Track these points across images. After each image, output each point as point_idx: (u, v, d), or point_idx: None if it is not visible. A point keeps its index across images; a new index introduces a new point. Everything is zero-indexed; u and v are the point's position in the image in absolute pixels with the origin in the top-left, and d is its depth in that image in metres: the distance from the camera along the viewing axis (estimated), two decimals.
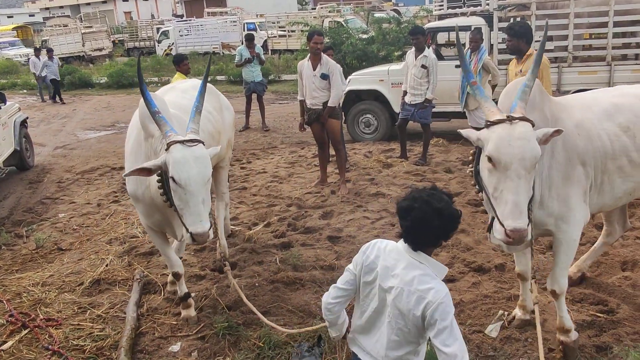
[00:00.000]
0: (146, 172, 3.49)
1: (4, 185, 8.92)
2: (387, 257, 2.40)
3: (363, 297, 2.46)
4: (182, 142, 3.36)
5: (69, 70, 23.68)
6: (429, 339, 2.31)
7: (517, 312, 4.16)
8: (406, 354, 2.35)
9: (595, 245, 4.80)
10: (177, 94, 4.93)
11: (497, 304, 4.43)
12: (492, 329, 4.14)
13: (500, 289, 4.67)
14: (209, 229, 3.45)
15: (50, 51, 20.28)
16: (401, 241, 2.42)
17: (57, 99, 19.19)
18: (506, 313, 4.26)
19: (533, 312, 3.77)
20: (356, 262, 2.53)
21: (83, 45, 32.76)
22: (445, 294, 2.23)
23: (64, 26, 35.59)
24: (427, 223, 2.25)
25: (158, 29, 33.06)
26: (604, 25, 8.72)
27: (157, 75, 23.39)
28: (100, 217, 6.98)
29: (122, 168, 9.45)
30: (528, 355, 3.81)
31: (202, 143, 3.49)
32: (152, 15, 48.31)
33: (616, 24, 8.62)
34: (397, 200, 2.44)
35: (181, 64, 8.39)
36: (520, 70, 6.28)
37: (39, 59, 19.52)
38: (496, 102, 3.42)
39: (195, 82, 5.27)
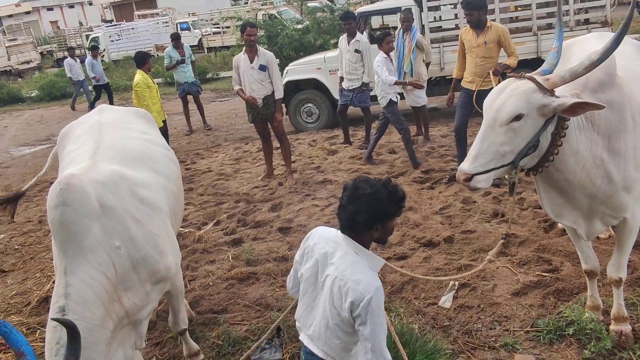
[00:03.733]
0: None
1: None
2: (326, 244, 2.39)
3: (303, 284, 2.46)
4: None
5: None
6: None
7: (591, 315, 3.71)
8: (345, 343, 2.33)
9: None
10: (108, 132, 3.69)
11: (448, 275, 4.54)
12: (445, 300, 4.24)
13: (450, 261, 4.79)
14: None
15: (95, 49, 16.48)
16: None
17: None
18: (457, 283, 4.37)
19: (605, 311, 3.72)
20: (299, 249, 2.55)
21: (9, 59, 31.34)
22: (375, 288, 2.20)
23: None
24: (348, 204, 2.28)
25: (87, 36, 31.97)
26: None
27: (91, 84, 22.62)
28: (43, 234, 6.73)
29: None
30: (482, 321, 3.93)
31: None
32: (80, 23, 46.61)
33: None
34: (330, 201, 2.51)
35: (146, 62, 8.21)
36: (485, 42, 6.34)
37: (76, 60, 16.66)
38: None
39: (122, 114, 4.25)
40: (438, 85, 10.00)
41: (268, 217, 6.27)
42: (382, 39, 7.32)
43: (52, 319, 2.30)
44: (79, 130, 3.84)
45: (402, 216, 5.77)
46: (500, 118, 2.91)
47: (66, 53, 34.36)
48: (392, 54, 7.83)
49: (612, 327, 3.61)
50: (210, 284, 4.91)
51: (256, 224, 6.14)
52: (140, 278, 2.88)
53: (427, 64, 8.41)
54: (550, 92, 2.89)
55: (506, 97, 2.93)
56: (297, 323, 2.57)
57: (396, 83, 7.25)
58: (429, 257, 4.92)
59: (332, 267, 2.29)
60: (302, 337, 2.51)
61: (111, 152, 3.37)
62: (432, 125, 9.36)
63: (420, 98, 8.33)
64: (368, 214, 2.24)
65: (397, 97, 7.41)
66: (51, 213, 2.68)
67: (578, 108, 2.83)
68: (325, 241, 2.41)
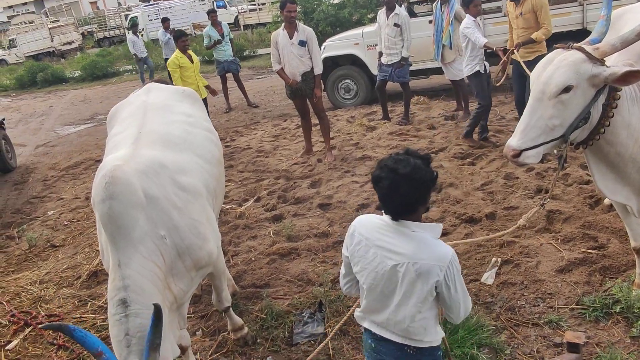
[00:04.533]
0: None
1: None
2: (379, 234, 2.26)
3: (365, 279, 2.30)
4: None
5: (40, 67, 23.27)
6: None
7: (638, 293, 3.61)
8: (426, 320, 2.26)
9: None
10: (151, 116, 3.72)
11: (491, 252, 4.50)
12: (488, 276, 4.21)
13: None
14: None
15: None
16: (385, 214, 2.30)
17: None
18: (499, 260, 4.33)
19: None
20: (346, 245, 2.40)
21: (52, 41, 32.15)
22: (451, 254, 2.15)
23: (29, 23, 34.87)
24: (396, 191, 2.14)
25: (126, 16, 32.41)
26: None
27: (131, 63, 23.03)
28: (90, 210, 6.94)
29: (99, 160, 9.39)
30: (525, 298, 3.89)
31: None
32: (119, 3, 47.23)
33: None
34: (370, 176, 2.39)
35: (179, 40, 8.35)
36: (521, 13, 6.29)
37: (139, 36, 15.90)
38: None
39: (175, 91, 4.35)
40: None
41: (308, 193, 6.32)
42: (470, 1, 6.81)
43: (154, 304, 2.37)
44: (125, 112, 3.90)
45: (443, 192, 5.73)
46: (548, 91, 2.83)
47: (106, 34, 35.23)
48: (431, 25, 7.69)
49: None
50: (253, 259, 5.00)
51: (296, 200, 6.19)
52: (185, 265, 2.95)
53: None
54: (601, 62, 2.79)
55: (554, 68, 2.84)
56: (357, 313, 2.46)
57: (485, 45, 6.63)
58: (470, 233, 4.88)
59: (399, 256, 2.18)
60: (370, 326, 2.39)
61: (153, 137, 3.39)
62: (473, 100, 9.19)
63: (459, 71, 8.17)
64: (423, 192, 2.18)
65: (485, 68, 6.92)
66: (99, 207, 2.71)
67: (631, 77, 2.72)
68: (376, 230, 2.28)
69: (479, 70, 6.86)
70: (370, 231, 2.28)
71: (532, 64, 5.32)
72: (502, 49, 6.45)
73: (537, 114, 2.89)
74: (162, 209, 2.89)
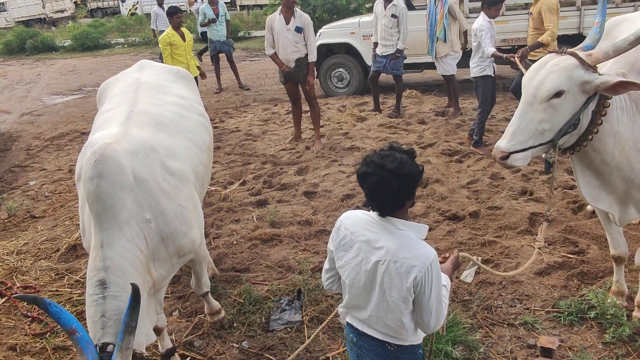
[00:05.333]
0: None
1: None
2: (365, 230, 2.25)
3: (349, 274, 2.29)
4: None
5: (30, 34, 22.87)
6: None
7: (614, 300, 3.66)
8: (407, 319, 2.23)
9: None
10: (143, 95, 3.65)
11: (472, 250, 4.52)
12: (467, 275, 4.20)
13: (474, 236, 4.77)
14: None
15: None
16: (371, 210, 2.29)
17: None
18: (480, 258, 4.34)
19: (629, 298, 3.68)
20: (332, 239, 2.38)
21: (43, 7, 31.57)
22: (432, 257, 2.13)
23: None
24: (384, 187, 2.12)
25: None
26: None
27: (123, 36, 22.74)
28: (72, 183, 6.86)
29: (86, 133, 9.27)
30: (502, 298, 3.93)
31: None
32: None
33: None
34: (356, 168, 2.27)
35: (174, 16, 8.19)
36: (530, 14, 6.45)
37: (163, 8, 12.95)
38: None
39: (165, 70, 4.30)
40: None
41: (294, 180, 6.29)
42: (493, 3, 6.43)
43: (132, 284, 2.31)
44: (117, 89, 3.82)
45: (429, 188, 5.74)
46: (539, 95, 2.84)
47: (99, 4, 34.65)
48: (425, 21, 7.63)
49: (635, 313, 3.58)
50: (234, 242, 4.98)
51: (282, 186, 6.17)
52: (168, 251, 2.91)
53: (464, 33, 8.18)
54: (593, 69, 2.81)
55: (546, 73, 2.85)
56: (340, 309, 2.45)
57: (493, 55, 6.39)
58: (453, 230, 4.90)
59: (382, 252, 2.16)
60: (352, 321, 2.39)
61: (144, 118, 3.32)
62: (464, 97, 9.21)
63: (451, 66, 8.17)
64: (411, 187, 2.16)
65: (494, 72, 6.69)
66: (86, 185, 2.65)
67: (621, 87, 2.75)
68: (362, 226, 2.26)
69: (488, 74, 6.64)
70: (356, 226, 2.27)
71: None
72: (512, 56, 6.03)
73: (527, 118, 2.90)
74: (150, 193, 2.84)
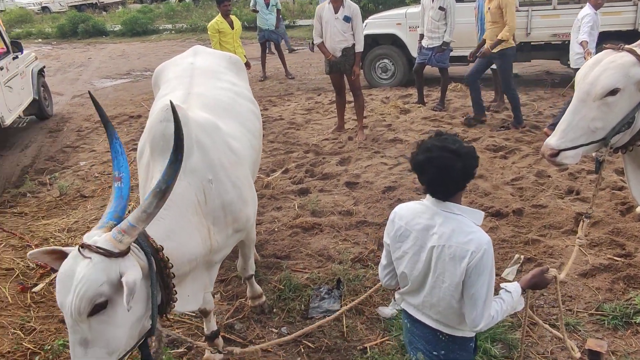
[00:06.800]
0: None
1: (25, 134, 9.03)
2: (420, 218, 2.25)
3: (406, 264, 2.30)
4: (80, 246, 2.10)
5: (82, 18, 23.46)
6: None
7: None
8: (460, 306, 2.23)
9: None
10: (199, 80, 3.69)
11: (515, 248, 4.47)
12: (509, 273, 4.14)
13: (517, 234, 4.70)
14: None
15: None
16: (428, 197, 2.27)
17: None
18: (522, 257, 4.28)
19: None
20: (387, 232, 2.40)
21: None
22: (487, 242, 2.12)
23: None
24: (450, 168, 2.12)
25: None
26: None
27: (171, 22, 23.10)
28: None
29: (139, 116, 9.51)
30: (544, 298, 3.87)
31: (112, 255, 2.08)
32: None
33: None
34: (410, 158, 2.26)
35: (222, 4, 8.26)
36: (489, 8, 6.78)
37: None
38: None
39: (223, 57, 4.39)
40: (521, 51, 9.59)
41: (336, 170, 6.32)
42: None
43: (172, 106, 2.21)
44: (171, 73, 3.89)
45: (472, 183, 5.67)
46: (594, 92, 2.80)
47: None
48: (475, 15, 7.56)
49: None
50: (276, 230, 5.05)
51: (324, 175, 6.21)
52: (226, 220, 2.93)
53: None
54: None
55: (602, 70, 2.80)
56: (396, 295, 2.49)
57: (581, 44, 6.26)
58: (495, 227, 4.85)
59: (435, 237, 2.17)
60: (406, 307, 2.43)
61: (202, 100, 3.36)
62: None
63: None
64: (473, 167, 2.17)
65: None
66: (154, 128, 2.68)
67: None
68: (416, 215, 2.27)
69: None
70: (410, 216, 2.29)
71: (496, 57, 6.99)
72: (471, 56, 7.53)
73: (579, 115, 2.86)
74: (212, 161, 2.86)
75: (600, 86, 2.78)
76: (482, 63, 7.31)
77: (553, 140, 2.89)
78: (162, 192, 2.17)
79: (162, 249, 2.30)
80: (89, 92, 2.84)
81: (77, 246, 2.11)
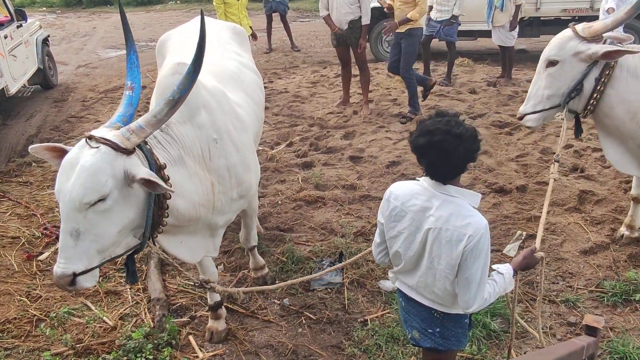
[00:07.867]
0: None
1: (30, 103, 9.02)
2: (417, 199, 2.21)
3: (401, 244, 2.29)
4: (88, 137, 2.17)
5: None
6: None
7: (624, 231, 4.09)
8: (450, 290, 2.22)
9: None
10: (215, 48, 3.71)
11: (517, 224, 4.48)
12: (511, 249, 4.20)
13: (520, 210, 4.71)
14: (74, 275, 2.14)
15: None
16: (426, 178, 2.22)
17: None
18: (524, 233, 4.31)
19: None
20: (381, 211, 2.36)
21: None
22: (484, 226, 2.10)
23: None
24: (453, 153, 2.07)
25: None
26: None
27: None
28: None
29: (144, 87, 9.46)
30: (545, 274, 3.89)
31: (119, 149, 2.16)
32: None
33: None
34: (410, 138, 2.21)
35: None
36: None
37: None
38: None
39: (227, 27, 4.38)
40: (530, 26, 9.46)
41: (340, 144, 6.32)
42: None
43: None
44: (177, 41, 3.87)
45: (477, 159, 5.66)
46: (539, 64, 3.40)
47: None
48: None
49: (621, 229, 3.97)
50: (279, 202, 5.07)
51: (328, 149, 6.20)
52: (230, 181, 2.93)
53: (518, 5, 7.86)
54: (589, 39, 3.19)
55: (549, 45, 3.37)
56: (390, 274, 2.50)
57: (607, 11, 5.90)
58: (498, 203, 4.85)
59: (432, 220, 2.15)
60: (401, 286, 2.43)
61: (210, 68, 3.33)
62: (519, 68, 8.96)
63: (507, 37, 7.94)
64: (474, 150, 2.13)
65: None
66: (165, 79, 2.68)
67: (613, 54, 3.11)
68: (413, 196, 2.24)
69: None
70: (407, 196, 2.25)
71: (404, 36, 6.75)
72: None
73: (536, 85, 3.45)
74: (218, 121, 2.85)
75: (542, 59, 3.37)
76: (394, 52, 7.00)
77: (522, 107, 3.53)
78: (175, 101, 2.23)
79: (165, 167, 2.37)
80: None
81: (84, 137, 2.17)
